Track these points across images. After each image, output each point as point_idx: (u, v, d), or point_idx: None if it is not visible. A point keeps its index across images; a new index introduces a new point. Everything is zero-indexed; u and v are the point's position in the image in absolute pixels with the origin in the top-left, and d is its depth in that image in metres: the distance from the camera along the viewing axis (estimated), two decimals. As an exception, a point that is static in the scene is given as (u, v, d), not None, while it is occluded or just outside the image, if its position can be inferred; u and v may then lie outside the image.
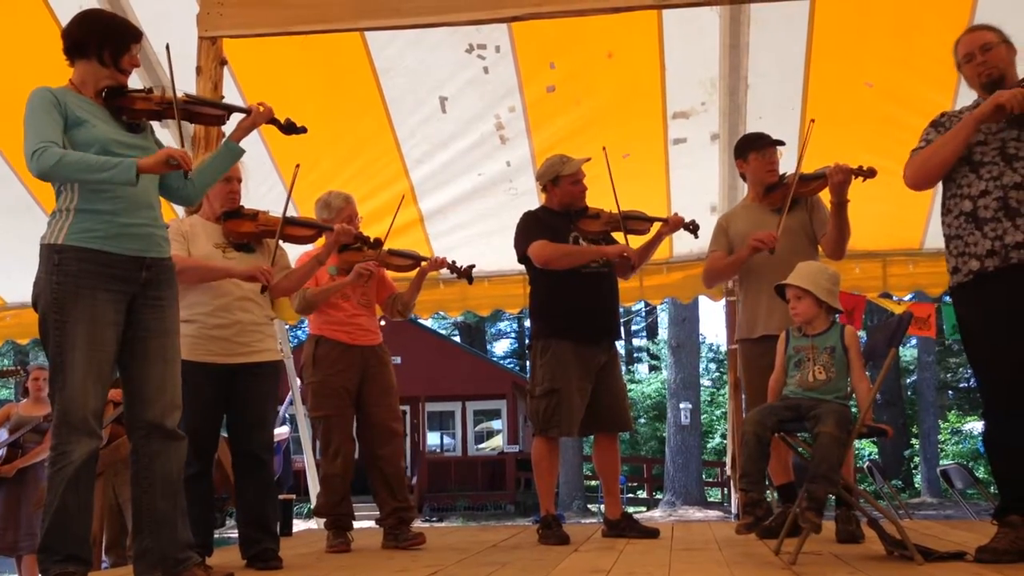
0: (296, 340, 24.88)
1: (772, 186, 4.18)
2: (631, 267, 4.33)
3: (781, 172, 4.25)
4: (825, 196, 4.03)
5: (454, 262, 4.31)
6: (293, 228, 3.78)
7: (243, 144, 3.07)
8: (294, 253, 4.19)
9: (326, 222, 4.17)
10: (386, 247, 4.18)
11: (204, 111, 3.11)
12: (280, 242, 3.76)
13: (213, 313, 3.51)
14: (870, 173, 3.78)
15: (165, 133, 4.06)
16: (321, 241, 3.95)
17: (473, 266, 4.39)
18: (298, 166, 3.84)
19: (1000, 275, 3.01)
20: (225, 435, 3.84)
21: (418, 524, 4.25)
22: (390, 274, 4.44)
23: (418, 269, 4.28)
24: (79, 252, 2.71)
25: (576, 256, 4.20)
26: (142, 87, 3.00)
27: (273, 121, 3.09)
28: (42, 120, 2.68)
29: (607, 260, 4.27)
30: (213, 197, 3.63)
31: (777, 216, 4.07)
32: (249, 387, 3.55)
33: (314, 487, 7.30)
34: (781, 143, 4.26)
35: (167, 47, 3.06)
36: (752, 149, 4.26)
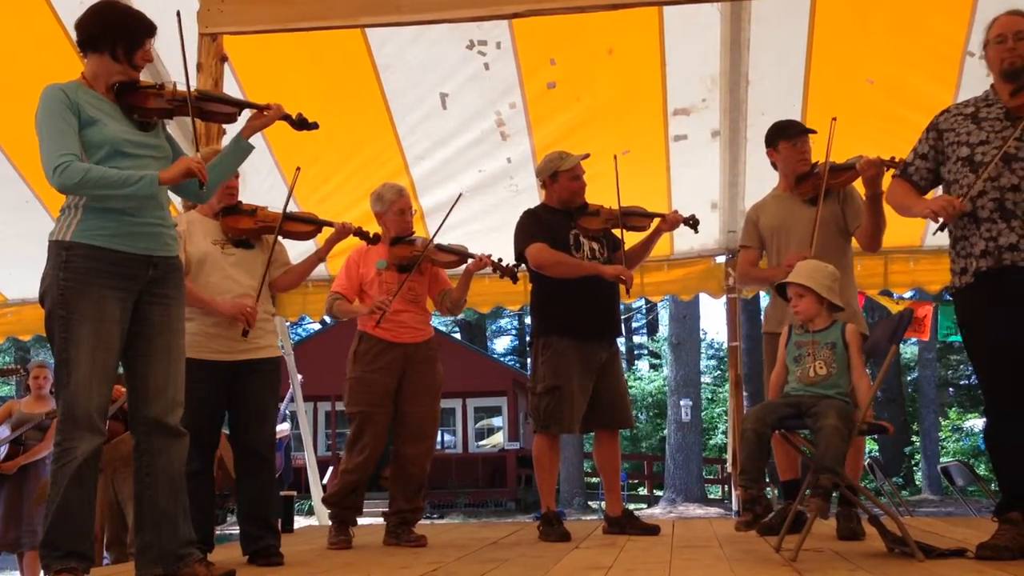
0: (297, 336, 24.91)
1: (803, 176, 4.09)
2: (627, 291, 4.30)
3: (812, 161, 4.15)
4: (858, 186, 3.95)
5: (499, 260, 4.25)
6: (292, 224, 3.77)
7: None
8: (296, 250, 4.19)
9: (379, 215, 4.19)
10: (433, 243, 4.18)
11: (216, 108, 3.09)
12: (280, 238, 3.75)
13: (213, 311, 3.51)
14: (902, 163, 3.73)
15: (170, 127, 4.05)
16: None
17: (518, 265, 4.34)
18: (298, 169, 3.85)
19: (994, 275, 3.02)
20: (226, 432, 3.84)
21: (419, 522, 4.24)
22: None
23: (464, 268, 4.25)
24: (87, 249, 2.71)
25: (571, 268, 4.17)
26: (153, 83, 2.99)
27: (285, 117, 3.08)
28: (58, 127, 2.68)
29: (608, 258, 4.27)
30: None
31: (808, 207, 3.99)
32: (250, 384, 3.54)
33: (315, 484, 7.31)
34: (812, 131, 4.15)
35: (177, 13, 3.01)
36: (783, 138, 4.14)
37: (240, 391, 3.53)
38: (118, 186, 2.67)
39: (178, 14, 3.01)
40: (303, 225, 3.83)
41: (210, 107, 3.06)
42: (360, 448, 4.07)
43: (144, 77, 2.96)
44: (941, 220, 3.11)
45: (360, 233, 4.03)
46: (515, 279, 4.37)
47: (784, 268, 3.90)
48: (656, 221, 4.36)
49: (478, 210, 6.23)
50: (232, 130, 3.25)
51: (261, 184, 5.77)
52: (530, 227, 4.27)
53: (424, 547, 3.99)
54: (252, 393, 3.55)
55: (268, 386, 3.62)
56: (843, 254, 4.00)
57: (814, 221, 3.92)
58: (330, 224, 3.87)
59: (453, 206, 4.34)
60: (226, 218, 3.65)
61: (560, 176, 4.28)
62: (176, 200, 4.64)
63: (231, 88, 4.89)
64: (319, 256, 3.84)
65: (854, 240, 4.10)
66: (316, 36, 4.98)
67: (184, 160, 2.80)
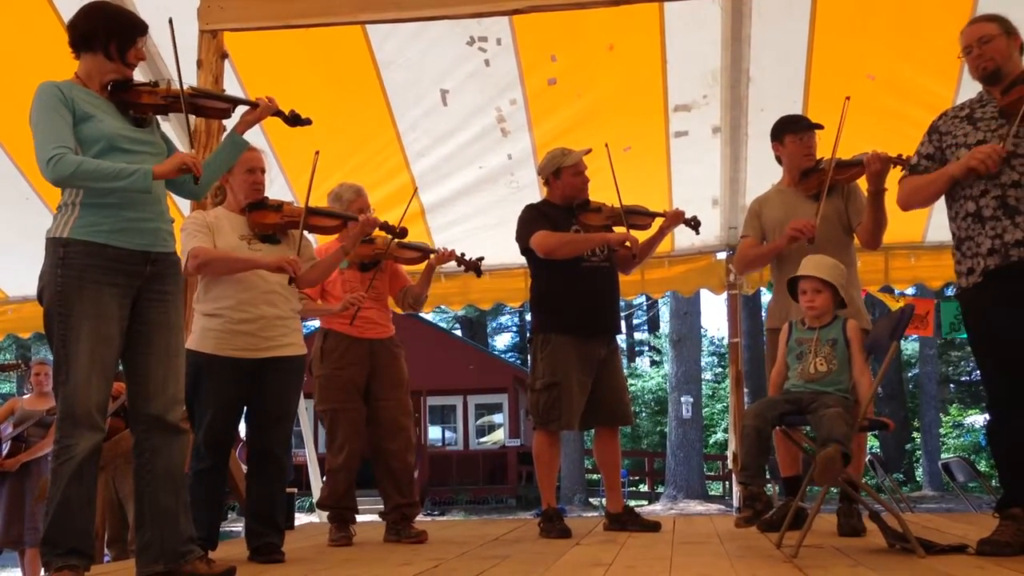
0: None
1: (808, 171, 4.06)
2: (633, 256, 4.30)
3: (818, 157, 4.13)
4: (862, 183, 3.92)
5: (463, 255, 4.28)
6: (317, 218, 3.74)
7: (245, 136, 3.07)
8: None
9: None
10: (395, 240, 4.17)
11: (210, 104, 3.09)
12: (305, 232, 3.72)
13: (238, 307, 3.48)
14: (908, 162, 3.65)
15: (166, 126, 4.05)
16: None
17: (482, 259, 4.36)
18: (317, 153, 3.70)
19: (1002, 273, 3.02)
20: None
21: (420, 518, 4.24)
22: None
23: (427, 262, 4.27)
24: (84, 246, 2.71)
25: (578, 244, 4.19)
26: (147, 80, 3.00)
27: (278, 113, 3.09)
28: (53, 121, 2.68)
29: (608, 255, 4.27)
30: (238, 188, 3.62)
31: (812, 202, 3.97)
32: (273, 382, 3.53)
33: (316, 481, 7.31)
34: (819, 126, 4.12)
35: (169, 20, 3.03)
36: (789, 132, 4.11)
37: (262, 388, 3.52)
38: (111, 179, 2.66)
39: (170, 21, 3.03)
40: (328, 219, 3.80)
41: (204, 103, 3.07)
42: (339, 446, 4.07)
43: (143, 75, 2.97)
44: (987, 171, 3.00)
45: (386, 227, 4.01)
46: (479, 273, 4.40)
47: (787, 236, 3.88)
48: (659, 221, 4.35)
49: (479, 207, 6.23)
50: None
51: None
52: (532, 219, 4.27)
53: (425, 542, 4.00)
54: (274, 391, 3.54)
55: (291, 384, 3.61)
56: (846, 250, 3.99)
57: (819, 215, 3.91)
58: (355, 218, 3.86)
59: (410, 200, 4.39)
60: (252, 213, 3.63)
61: (563, 172, 4.28)
62: (176, 198, 4.65)
63: (232, 85, 4.88)
64: (344, 250, 3.80)
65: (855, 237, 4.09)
66: (317, 33, 4.97)
67: (178, 155, 2.81)
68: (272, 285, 3.54)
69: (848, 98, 3.82)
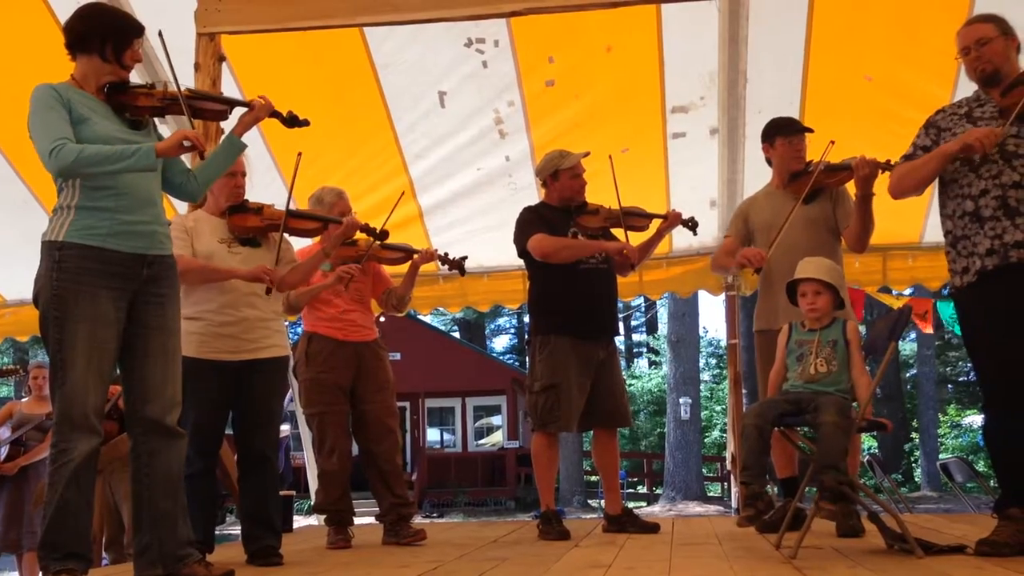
0: (295, 336, 24.94)
1: (797, 174, 4.08)
2: (630, 265, 4.31)
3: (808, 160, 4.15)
4: (851, 188, 3.94)
5: (446, 254, 4.29)
6: (298, 221, 3.73)
7: (242, 139, 3.07)
8: (297, 246, 4.16)
9: None
10: (379, 241, 4.16)
11: (207, 106, 3.09)
12: (286, 235, 3.72)
13: (219, 310, 3.48)
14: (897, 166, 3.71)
15: (164, 129, 4.05)
16: None
17: (465, 258, 4.37)
18: (300, 154, 3.71)
19: (1000, 274, 3.02)
20: (227, 432, 3.83)
21: (418, 520, 4.25)
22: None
23: (410, 262, 4.27)
24: (80, 249, 2.70)
25: (575, 249, 4.19)
26: (143, 83, 3.00)
27: (275, 114, 3.08)
28: (50, 117, 2.68)
29: (606, 256, 4.27)
30: (218, 191, 3.60)
31: (801, 205, 3.97)
32: (256, 384, 3.52)
33: (314, 484, 7.31)
34: (810, 130, 4.15)
35: (159, 33, 3.03)
36: (780, 134, 4.14)
37: (246, 391, 3.51)
38: (114, 160, 2.65)
39: (160, 33, 3.03)
40: (309, 222, 3.80)
41: (201, 105, 3.07)
42: (328, 449, 4.07)
43: (140, 77, 2.97)
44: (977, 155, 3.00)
45: (367, 229, 4.01)
46: (463, 271, 4.41)
47: (738, 261, 4.05)
48: (656, 222, 4.36)
49: (477, 209, 6.23)
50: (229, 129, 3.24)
51: (259, 180, 5.75)
52: (529, 222, 4.28)
53: (424, 540, 4.01)
54: (258, 392, 3.53)
55: (274, 386, 3.60)
56: (833, 253, 3.99)
57: (803, 218, 3.93)
58: (336, 221, 3.85)
59: (396, 202, 4.33)
60: (232, 216, 3.62)
61: (561, 174, 4.28)
62: (174, 200, 4.65)
63: (229, 87, 4.88)
64: (325, 253, 3.81)
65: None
66: (314, 35, 4.97)
67: (179, 131, 2.78)
68: (253, 287, 3.54)
69: (832, 142, 3.89)
